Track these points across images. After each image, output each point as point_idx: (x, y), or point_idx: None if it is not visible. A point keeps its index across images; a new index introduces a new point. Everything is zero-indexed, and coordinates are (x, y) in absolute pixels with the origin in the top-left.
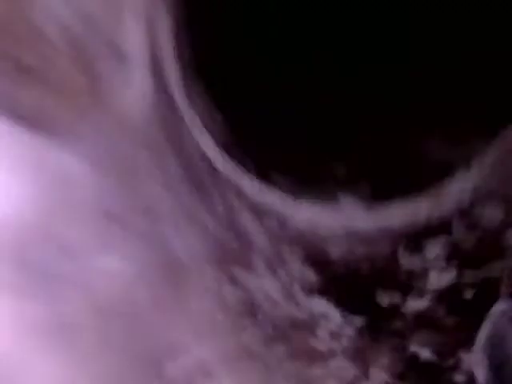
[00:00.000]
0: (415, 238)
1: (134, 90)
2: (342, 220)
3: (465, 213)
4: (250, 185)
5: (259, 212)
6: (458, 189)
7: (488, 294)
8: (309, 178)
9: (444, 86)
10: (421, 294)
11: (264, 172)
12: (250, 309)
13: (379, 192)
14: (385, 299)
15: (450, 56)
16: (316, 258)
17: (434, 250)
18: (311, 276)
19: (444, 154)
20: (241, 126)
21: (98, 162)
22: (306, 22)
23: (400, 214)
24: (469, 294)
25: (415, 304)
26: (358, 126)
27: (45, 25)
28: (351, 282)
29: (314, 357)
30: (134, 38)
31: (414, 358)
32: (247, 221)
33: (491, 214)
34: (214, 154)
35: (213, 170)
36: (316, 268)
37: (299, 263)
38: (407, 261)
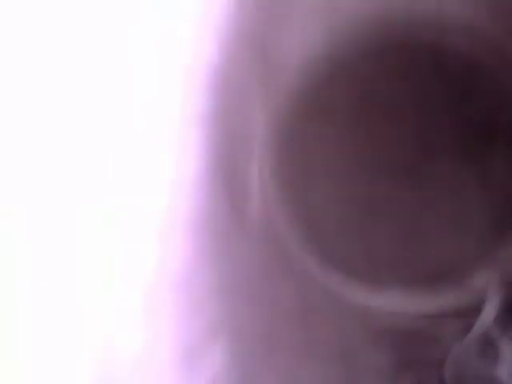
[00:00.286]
0: (441, 318)
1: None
2: (389, 303)
3: (481, 303)
4: (321, 272)
5: (329, 291)
6: (475, 285)
7: None
8: (363, 267)
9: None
10: (444, 352)
11: (329, 264)
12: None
13: (416, 282)
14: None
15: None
16: (371, 326)
17: (453, 325)
18: (368, 336)
19: (459, 254)
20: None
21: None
22: None
23: (432, 302)
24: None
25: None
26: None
27: None
28: (394, 340)
29: None
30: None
31: None
32: (317, 294)
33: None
34: (300, 256)
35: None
36: (370, 330)
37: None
38: (434, 330)
